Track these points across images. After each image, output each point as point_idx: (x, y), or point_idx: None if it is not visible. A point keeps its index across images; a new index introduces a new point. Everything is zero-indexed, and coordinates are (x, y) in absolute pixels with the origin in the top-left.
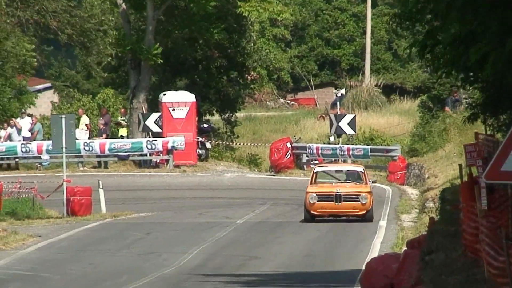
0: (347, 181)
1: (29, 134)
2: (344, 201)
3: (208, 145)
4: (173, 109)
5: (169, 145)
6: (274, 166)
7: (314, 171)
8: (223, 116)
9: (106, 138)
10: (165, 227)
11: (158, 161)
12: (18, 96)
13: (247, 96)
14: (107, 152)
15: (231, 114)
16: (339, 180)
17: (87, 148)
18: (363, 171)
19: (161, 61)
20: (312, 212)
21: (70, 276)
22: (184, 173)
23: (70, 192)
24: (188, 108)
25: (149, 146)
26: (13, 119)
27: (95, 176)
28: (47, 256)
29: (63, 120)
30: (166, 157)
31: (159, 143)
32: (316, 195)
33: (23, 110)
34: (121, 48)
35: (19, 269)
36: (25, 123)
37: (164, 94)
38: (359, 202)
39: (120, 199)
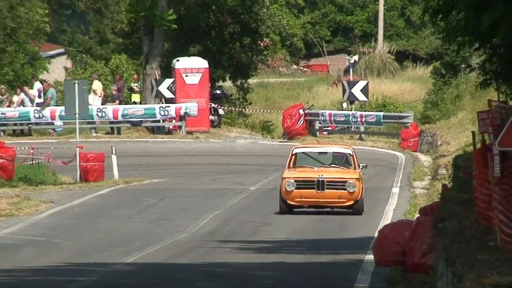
0: (333, 165)
1: (40, 100)
2: (327, 189)
3: (221, 112)
4: (186, 75)
5: (182, 111)
6: (287, 133)
7: (293, 153)
8: (235, 83)
9: (119, 104)
10: (178, 193)
11: (171, 127)
12: (31, 62)
13: (260, 62)
14: (120, 118)
15: (243, 81)
16: (322, 163)
17: (100, 114)
18: (352, 153)
19: (175, 27)
20: (289, 202)
21: (82, 242)
22: (197, 140)
23: (83, 158)
24: (201, 74)
25: (162, 112)
26: (26, 87)
27: (108, 142)
28: (60, 222)
29: (76, 85)
30: (179, 123)
31: (172, 109)
32: (294, 181)
33: (32, 76)
34: (134, 14)
35: (32, 235)
36: (35, 89)
37: (177, 60)
38: (345, 191)
39: (133, 165)
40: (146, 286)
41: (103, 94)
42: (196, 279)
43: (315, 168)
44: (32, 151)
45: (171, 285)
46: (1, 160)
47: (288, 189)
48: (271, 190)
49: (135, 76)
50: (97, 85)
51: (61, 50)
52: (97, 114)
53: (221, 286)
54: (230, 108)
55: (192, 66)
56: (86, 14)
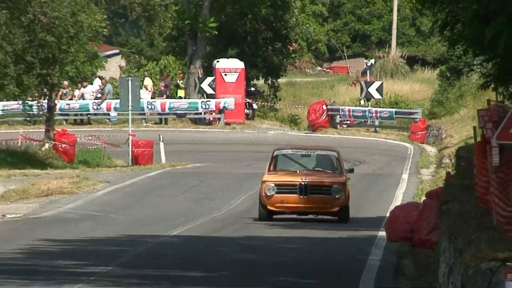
0: (316, 169)
1: (99, 95)
2: (311, 193)
3: (255, 106)
4: (225, 74)
5: (221, 105)
6: (311, 125)
7: (273, 155)
8: (268, 82)
9: (166, 98)
10: (217, 176)
11: (211, 119)
12: (90, 61)
13: (288, 64)
14: (167, 110)
15: (274, 80)
16: (305, 167)
17: (150, 106)
18: (337, 156)
19: (216, 32)
20: (269, 207)
21: (133, 217)
22: (234, 130)
23: (135, 145)
24: (238, 73)
25: (204, 106)
26: (85, 83)
27: (156, 131)
28: (114, 199)
29: (130, 81)
30: (218, 115)
31: (212, 103)
32: (275, 185)
33: (92, 73)
34: (181, 21)
35: (90, 210)
36: (94, 85)
37: (217, 61)
38: (330, 196)
39: (178, 151)
40: (188, 256)
41: (153, 89)
42: (232, 251)
43: (298, 172)
44: (90, 138)
45: (210, 256)
46: (64, 145)
47: (268, 194)
48: None
49: (181, 74)
50: (147, 81)
51: (116, 50)
52: (147, 107)
53: (253, 257)
54: (262, 103)
55: (230, 66)
56: (138, 19)
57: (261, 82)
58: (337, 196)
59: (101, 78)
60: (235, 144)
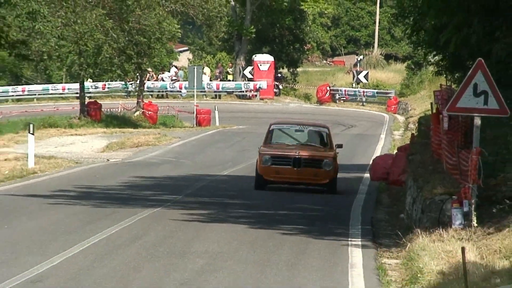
0: (309, 144)
1: (175, 78)
2: (304, 166)
3: (280, 87)
4: (260, 65)
5: (257, 86)
6: (319, 100)
7: (270, 129)
8: (290, 70)
9: (220, 81)
10: (254, 135)
11: (250, 95)
12: (168, 54)
13: (304, 58)
14: (220, 89)
15: (294, 69)
16: (298, 141)
17: (208, 86)
18: (328, 132)
19: (254, 36)
20: (265, 177)
21: (197, 162)
22: (266, 103)
23: (198, 112)
24: (269, 64)
25: (245, 86)
26: (166, 72)
27: (213, 103)
28: (184, 150)
29: (195, 69)
30: (255, 93)
31: (251, 85)
32: (271, 157)
33: (170, 63)
34: (231, 28)
35: (167, 157)
36: (171, 71)
37: (255, 56)
38: (322, 169)
39: (228, 117)
40: (235, 189)
41: (210, 75)
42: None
43: (292, 145)
44: (168, 107)
45: (248, 189)
46: (150, 112)
47: (265, 165)
48: None
49: (230, 64)
50: (207, 69)
51: (186, 48)
52: (206, 86)
53: (278, 190)
54: (286, 85)
55: (264, 59)
56: (201, 26)
57: (285, 70)
58: (327, 169)
59: (175, 66)
60: (267, 112)
